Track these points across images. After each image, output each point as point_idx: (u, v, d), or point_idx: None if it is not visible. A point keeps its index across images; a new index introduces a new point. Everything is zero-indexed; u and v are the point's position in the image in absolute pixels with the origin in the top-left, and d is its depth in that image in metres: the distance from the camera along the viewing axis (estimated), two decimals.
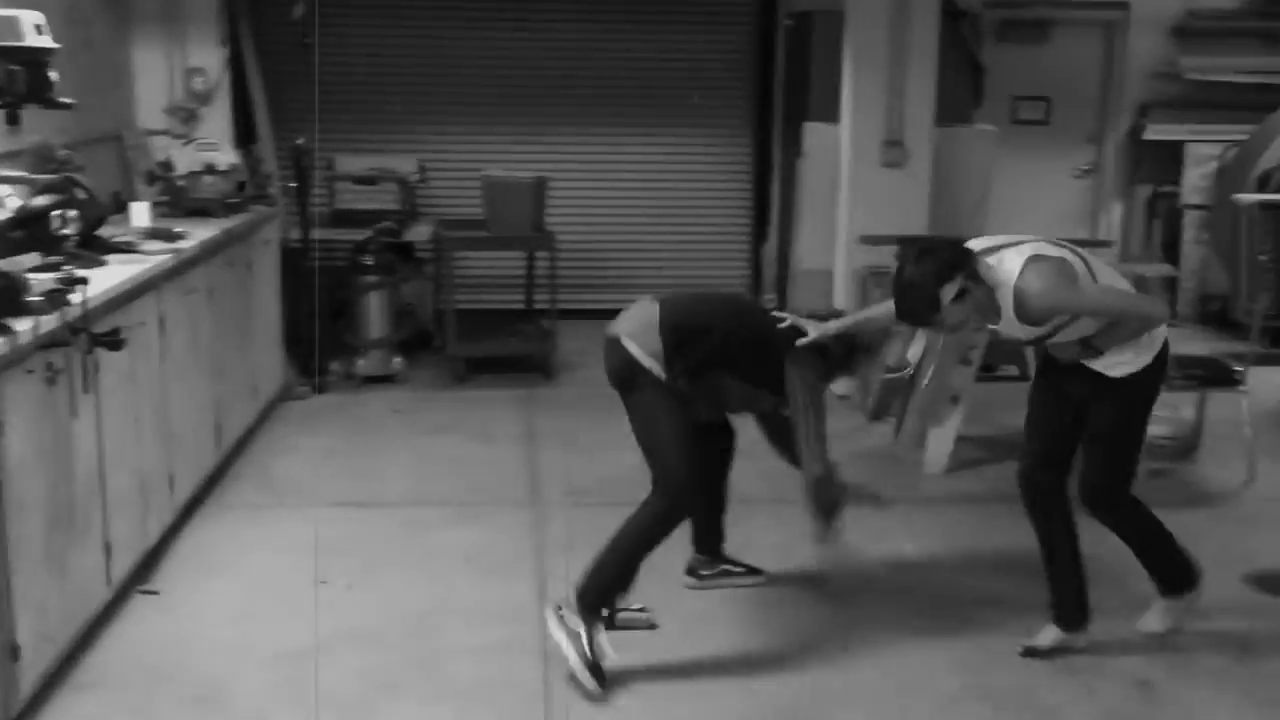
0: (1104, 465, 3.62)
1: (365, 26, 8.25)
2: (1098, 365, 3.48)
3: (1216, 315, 8.74)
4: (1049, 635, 3.70)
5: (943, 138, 6.73)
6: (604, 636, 3.53)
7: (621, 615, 3.78)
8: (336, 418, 6.22)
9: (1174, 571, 3.77)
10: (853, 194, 6.70)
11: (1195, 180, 8.84)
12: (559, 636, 3.50)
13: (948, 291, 3.30)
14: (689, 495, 3.71)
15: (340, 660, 3.64)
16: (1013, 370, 6.97)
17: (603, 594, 3.58)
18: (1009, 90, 8.82)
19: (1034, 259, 3.33)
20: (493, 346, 7.16)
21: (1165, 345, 3.52)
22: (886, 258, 6.17)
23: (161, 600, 4.04)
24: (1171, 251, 9.05)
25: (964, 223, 6.70)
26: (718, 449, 4.12)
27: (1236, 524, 4.88)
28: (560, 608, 3.56)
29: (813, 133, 7.14)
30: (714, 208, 8.98)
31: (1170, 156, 8.95)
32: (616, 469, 5.16)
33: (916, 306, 3.39)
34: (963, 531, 4.79)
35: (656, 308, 3.75)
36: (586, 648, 3.46)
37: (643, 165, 8.84)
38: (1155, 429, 5.62)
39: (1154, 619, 3.81)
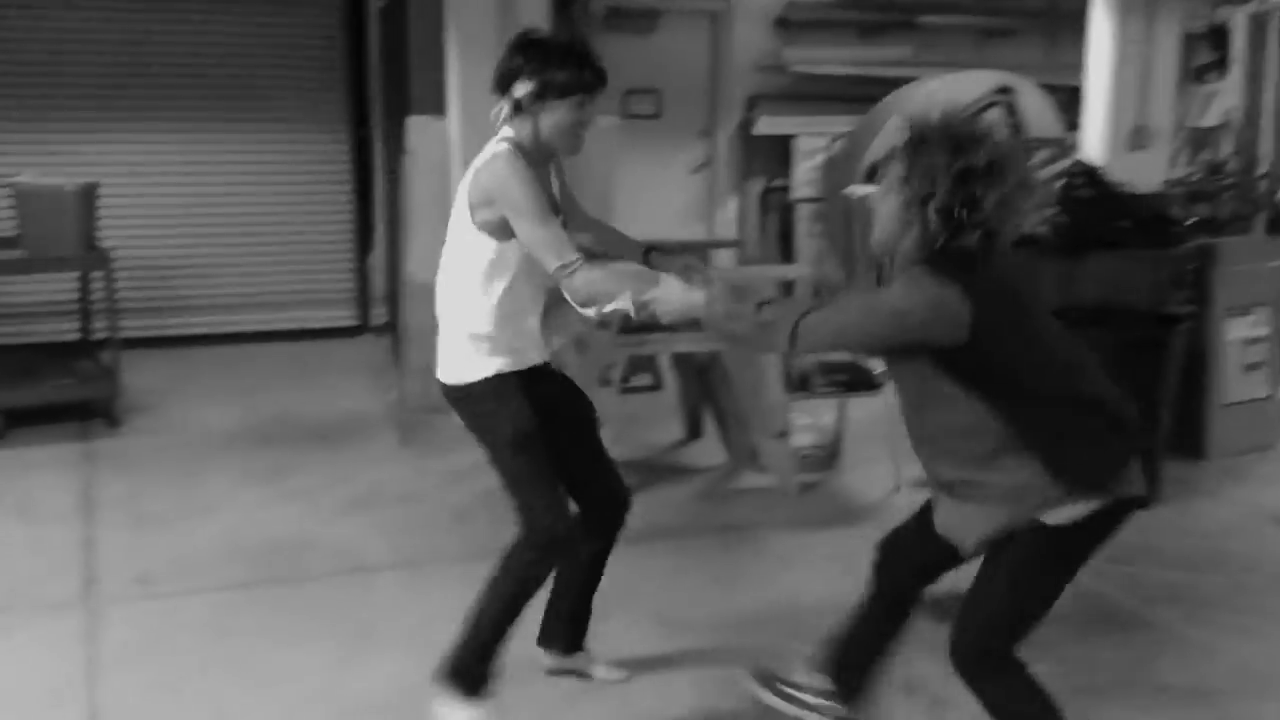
0: None
1: None
2: None
3: None
4: None
5: None
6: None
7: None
8: None
9: None
10: None
11: (805, 174, 8.83)
12: None
13: None
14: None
15: None
16: (646, 380, 6.54)
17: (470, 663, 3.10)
18: (619, 83, 8.40)
19: None
20: (36, 392, 5.83)
21: None
22: None
23: None
24: (786, 246, 9.01)
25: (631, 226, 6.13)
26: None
27: None
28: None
29: (417, 128, 6.33)
30: (309, 215, 8.00)
31: (781, 150, 8.89)
32: (199, 542, 4.18)
33: None
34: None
35: None
36: None
37: (222, 168, 7.72)
38: (801, 439, 5.35)
39: None
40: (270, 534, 4.54)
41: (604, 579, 3.36)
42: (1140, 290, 5.33)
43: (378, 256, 7.73)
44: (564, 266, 2.82)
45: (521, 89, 2.95)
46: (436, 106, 6.22)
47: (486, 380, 3.03)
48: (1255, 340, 5.49)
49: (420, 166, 6.27)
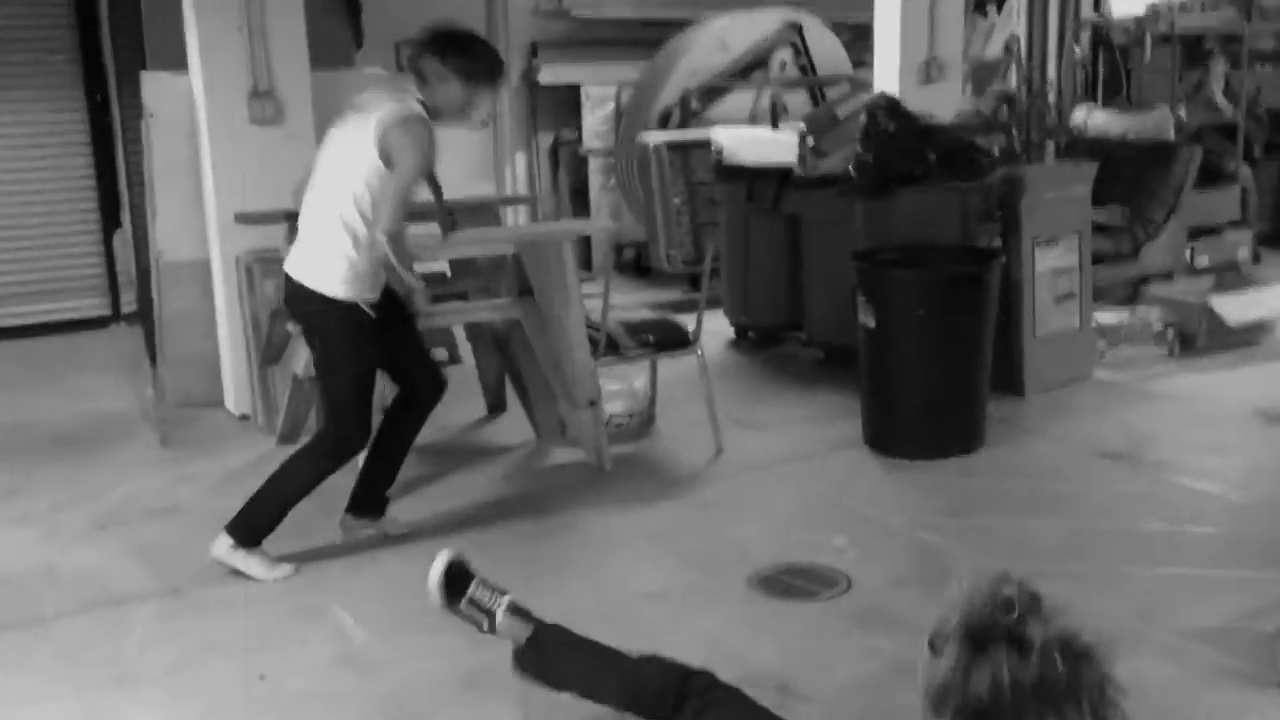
0: None
1: None
2: None
3: (633, 264, 8.40)
4: None
5: (324, 85, 5.48)
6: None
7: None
8: None
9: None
10: (218, 161, 5.27)
11: (595, 124, 8.41)
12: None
13: None
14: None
15: None
16: (441, 354, 5.99)
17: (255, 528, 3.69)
18: (390, 32, 7.76)
19: None
20: None
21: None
22: (274, 239, 4.87)
23: None
24: (581, 200, 8.58)
25: None
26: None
27: (721, 511, 4.24)
28: None
29: (156, 86, 5.57)
30: (42, 194, 7.09)
31: (569, 101, 8.43)
32: None
33: None
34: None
35: None
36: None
37: None
38: (611, 407, 4.93)
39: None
40: (1, 567, 3.85)
41: (407, 584, 3.35)
42: (951, 226, 5.13)
43: (125, 235, 6.88)
44: (395, 225, 3.44)
45: (431, 66, 3.60)
46: (177, 61, 5.48)
47: (352, 306, 3.56)
48: (1064, 271, 5.37)
49: (163, 130, 5.52)
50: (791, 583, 3.57)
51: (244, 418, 5.32)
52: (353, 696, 3.01)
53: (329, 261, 3.57)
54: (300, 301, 3.67)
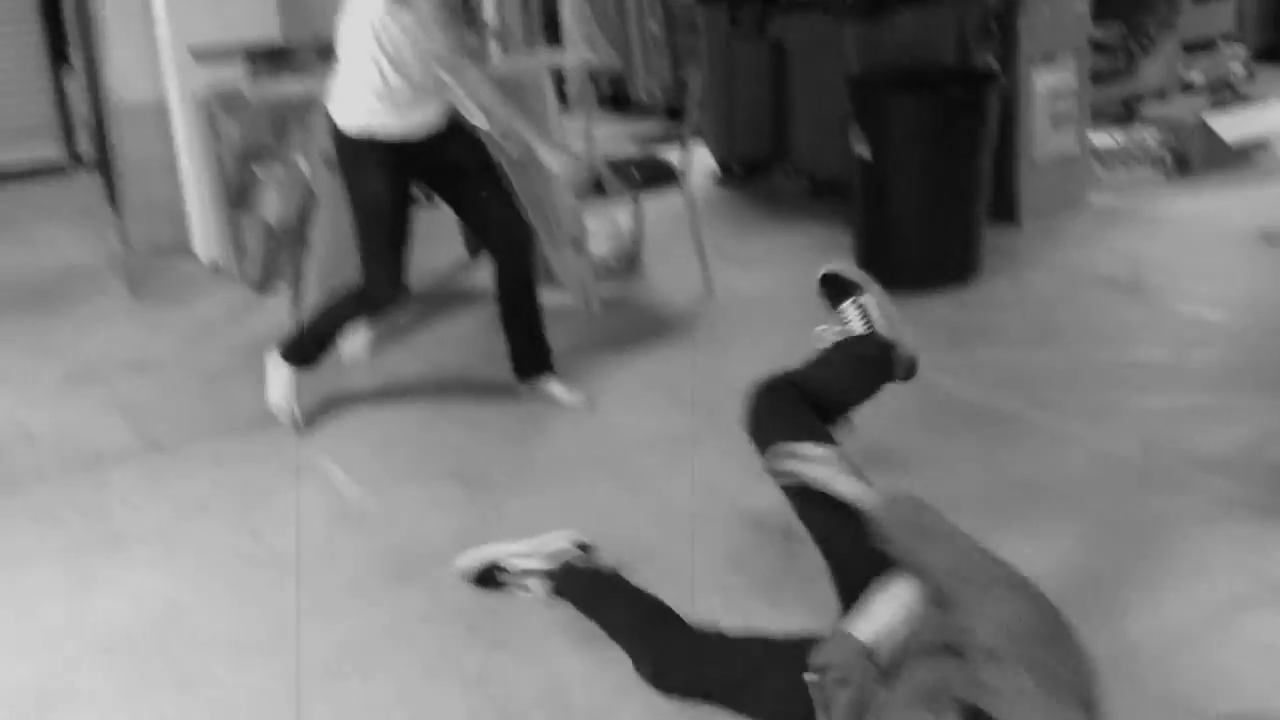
0: None
1: None
2: None
3: (610, 99, 8.09)
4: None
5: None
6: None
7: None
8: None
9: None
10: None
11: None
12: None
13: None
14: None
15: None
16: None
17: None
18: None
19: None
20: None
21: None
22: (235, 76, 4.60)
23: None
24: (552, 31, 8.20)
25: (324, 17, 5.21)
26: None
27: (714, 351, 4.13)
28: None
29: None
30: None
31: None
32: None
33: None
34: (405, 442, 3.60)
35: None
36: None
37: None
38: (597, 248, 4.78)
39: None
40: None
41: (399, 437, 3.55)
42: (947, 46, 4.90)
43: (77, 76, 6.54)
44: (442, 51, 3.23)
45: None
46: None
47: (363, 138, 3.32)
48: (1062, 92, 5.16)
49: None
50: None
51: (216, 266, 5.14)
52: (350, 552, 2.94)
53: (349, 91, 3.33)
54: (327, 136, 3.47)
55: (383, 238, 3.44)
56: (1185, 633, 2.41)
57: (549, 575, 2.60)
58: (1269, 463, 3.03)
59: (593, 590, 2.54)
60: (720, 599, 2.62)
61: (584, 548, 2.70)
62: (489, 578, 2.69)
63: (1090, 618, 2.45)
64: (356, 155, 3.37)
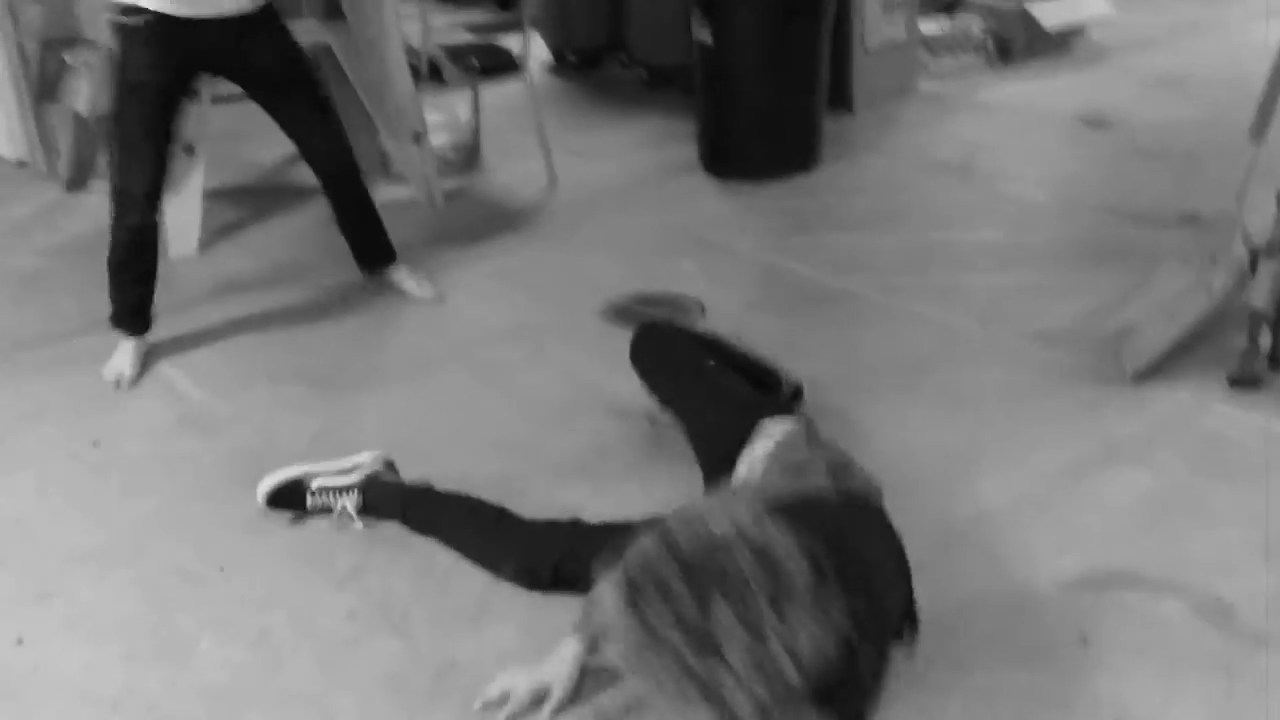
0: None
1: None
2: None
3: None
4: None
5: None
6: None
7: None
8: None
9: None
10: None
11: None
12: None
13: None
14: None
15: None
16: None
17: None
18: None
19: None
20: None
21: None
22: None
23: None
24: None
25: None
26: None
27: (564, 243, 4.09)
28: None
29: None
30: None
31: None
32: None
33: None
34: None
35: None
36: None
37: None
38: (436, 139, 4.64)
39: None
40: None
41: (241, 338, 3.41)
42: None
43: None
44: None
45: None
46: None
47: (130, 21, 2.98)
48: None
49: None
50: (646, 311, 3.49)
51: (21, 163, 4.78)
52: (199, 456, 2.82)
53: None
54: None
55: (133, 133, 3.08)
56: (1034, 494, 2.53)
57: (359, 489, 2.51)
58: (1100, 334, 3.19)
59: (408, 502, 2.48)
60: (591, 486, 2.62)
61: (391, 466, 2.61)
62: (293, 497, 2.54)
63: (946, 485, 2.57)
64: (125, 34, 3.02)
